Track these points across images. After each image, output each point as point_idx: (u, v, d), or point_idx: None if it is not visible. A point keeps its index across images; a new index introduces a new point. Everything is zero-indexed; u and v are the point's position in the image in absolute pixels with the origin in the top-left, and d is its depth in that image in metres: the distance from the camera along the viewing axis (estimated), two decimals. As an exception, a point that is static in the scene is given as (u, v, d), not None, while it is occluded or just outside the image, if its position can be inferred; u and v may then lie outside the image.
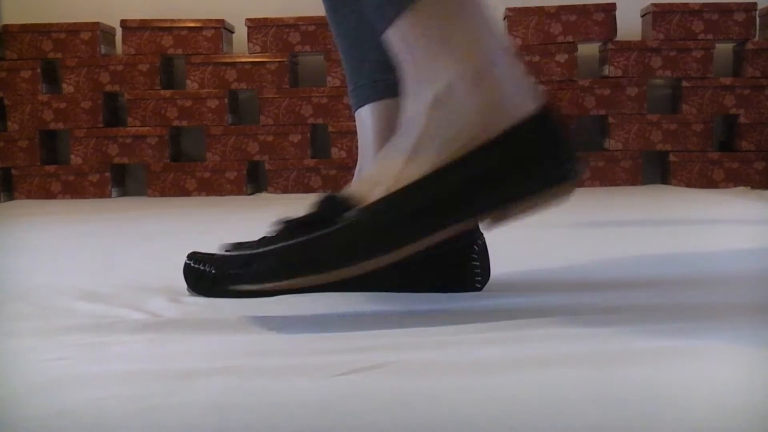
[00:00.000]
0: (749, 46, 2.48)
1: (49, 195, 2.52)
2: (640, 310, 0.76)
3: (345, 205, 0.76)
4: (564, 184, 0.75)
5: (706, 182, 2.46)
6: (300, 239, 0.76)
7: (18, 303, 0.86)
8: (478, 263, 0.83)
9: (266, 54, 2.56)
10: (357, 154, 0.91)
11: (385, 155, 0.78)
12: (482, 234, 0.85)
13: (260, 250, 0.78)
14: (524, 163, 0.74)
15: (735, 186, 2.43)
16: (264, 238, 0.81)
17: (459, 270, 0.84)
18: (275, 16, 2.57)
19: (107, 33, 2.63)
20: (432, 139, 0.74)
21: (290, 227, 0.78)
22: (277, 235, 0.79)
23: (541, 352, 0.61)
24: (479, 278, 0.84)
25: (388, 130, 0.84)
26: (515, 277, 0.96)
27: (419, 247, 0.75)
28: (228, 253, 0.82)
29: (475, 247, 0.83)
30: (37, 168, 2.52)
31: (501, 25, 0.69)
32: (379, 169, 0.78)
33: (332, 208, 0.77)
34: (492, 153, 0.73)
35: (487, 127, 0.73)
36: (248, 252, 0.79)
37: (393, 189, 0.74)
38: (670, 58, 2.50)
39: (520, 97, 0.74)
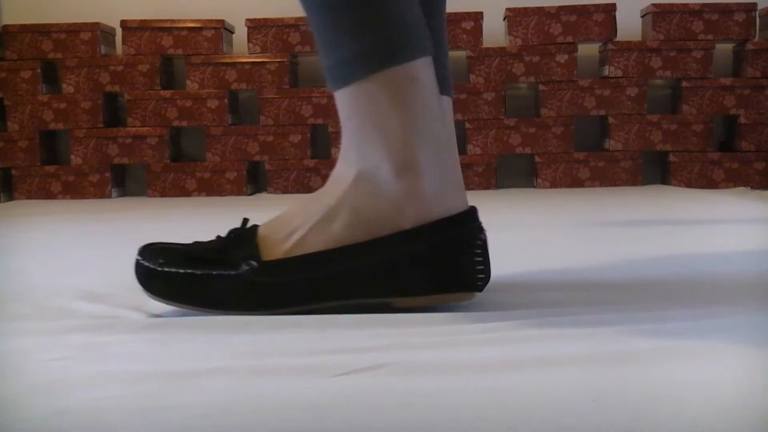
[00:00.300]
0: (749, 46, 2.48)
1: (49, 195, 2.52)
2: (640, 310, 0.76)
3: (248, 250, 0.78)
4: (466, 293, 0.78)
5: (706, 182, 2.46)
6: (202, 272, 0.78)
7: (18, 303, 0.86)
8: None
9: (266, 54, 2.56)
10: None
11: (305, 203, 0.80)
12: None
13: (165, 269, 0.78)
14: (430, 263, 0.76)
15: (735, 186, 2.43)
16: (195, 242, 0.82)
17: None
18: (275, 17, 2.57)
19: (107, 33, 2.63)
20: (345, 211, 0.77)
21: (199, 251, 0.79)
22: (186, 255, 0.79)
23: (541, 353, 0.61)
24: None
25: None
26: (515, 278, 0.96)
27: (317, 309, 0.77)
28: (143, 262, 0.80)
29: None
30: (37, 168, 2.52)
31: (440, 113, 0.71)
32: (297, 215, 0.80)
33: (237, 248, 0.79)
34: (399, 245, 0.76)
35: (399, 218, 0.76)
36: (155, 267, 0.79)
37: (296, 252, 0.77)
38: (670, 59, 2.50)
39: (440, 195, 0.77)
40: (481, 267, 0.78)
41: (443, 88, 0.84)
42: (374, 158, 0.76)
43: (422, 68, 0.76)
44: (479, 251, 0.78)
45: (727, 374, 0.56)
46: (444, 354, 0.62)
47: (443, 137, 0.78)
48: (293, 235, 0.78)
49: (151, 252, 0.80)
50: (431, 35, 0.79)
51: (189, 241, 0.84)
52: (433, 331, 0.69)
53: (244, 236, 0.80)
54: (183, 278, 0.78)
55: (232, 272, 0.77)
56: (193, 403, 0.52)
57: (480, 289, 0.78)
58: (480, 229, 0.78)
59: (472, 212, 0.79)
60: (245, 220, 0.83)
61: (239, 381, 0.56)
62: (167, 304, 0.79)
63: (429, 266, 0.77)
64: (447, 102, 0.86)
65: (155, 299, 0.79)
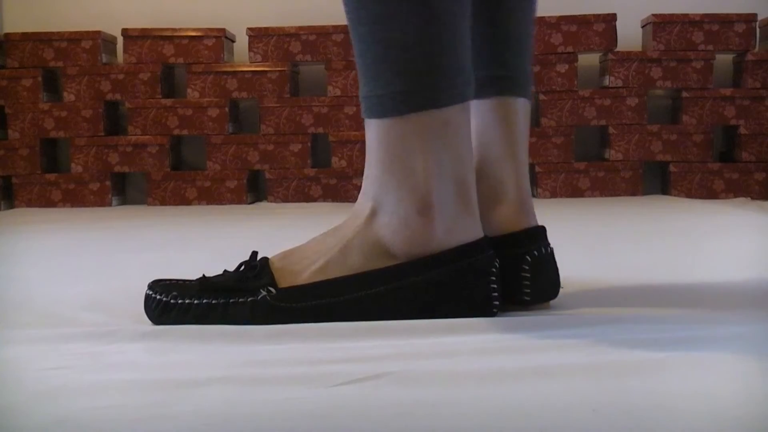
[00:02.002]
0: (749, 57, 2.49)
1: (49, 203, 2.52)
2: (640, 320, 0.76)
3: (266, 279, 0.79)
4: (478, 316, 0.78)
5: (707, 193, 2.46)
6: (218, 301, 0.78)
7: (18, 311, 0.86)
8: (528, 275, 0.82)
9: (267, 63, 2.56)
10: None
11: (323, 237, 0.81)
12: (540, 245, 0.83)
13: (179, 301, 0.78)
14: (445, 289, 0.77)
15: (735, 197, 2.43)
16: (203, 277, 0.81)
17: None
18: (276, 26, 2.57)
19: (108, 42, 2.63)
20: (362, 243, 0.78)
21: (215, 284, 0.79)
22: (201, 286, 0.79)
23: (540, 362, 0.61)
24: (528, 290, 0.82)
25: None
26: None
27: None
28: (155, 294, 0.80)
29: (527, 257, 0.82)
30: (38, 176, 2.52)
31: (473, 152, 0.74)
32: (314, 248, 0.81)
33: (253, 278, 0.79)
34: (414, 272, 0.77)
35: (414, 249, 0.77)
36: (168, 300, 0.79)
37: (314, 279, 0.78)
38: (670, 69, 2.51)
39: (454, 229, 0.77)
40: (495, 294, 0.78)
41: (508, 88, 0.84)
42: (394, 194, 0.77)
43: (458, 113, 0.77)
44: (492, 278, 0.78)
45: (727, 384, 0.56)
46: (444, 364, 0.62)
47: (468, 179, 0.78)
48: (311, 266, 0.79)
49: (162, 286, 0.80)
50: (494, 30, 0.82)
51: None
52: (433, 341, 0.69)
53: (259, 267, 0.80)
54: (199, 309, 0.78)
55: (250, 298, 0.77)
56: (193, 411, 0.52)
57: (493, 314, 0.78)
58: (492, 258, 0.78)
59: (483, 242, 0.79)
60: (254, 253, 0.83)
61: (240, 390, 0.56)
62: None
63: (444, 292, 0.77)
64: (520, 104, 0.86)
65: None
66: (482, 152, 0.85)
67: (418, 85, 0.75)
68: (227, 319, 0.77)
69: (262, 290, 0.77)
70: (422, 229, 0.77)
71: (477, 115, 0.85)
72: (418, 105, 0.75)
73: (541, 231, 0.85)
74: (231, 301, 0.77)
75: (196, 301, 0.78)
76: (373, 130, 0.79)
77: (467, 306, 0.77)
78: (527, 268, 0.82)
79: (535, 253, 0.82)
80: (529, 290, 0.82)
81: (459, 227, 0.78)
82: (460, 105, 0.76)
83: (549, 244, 0.84)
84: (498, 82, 0.85)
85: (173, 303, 0.78)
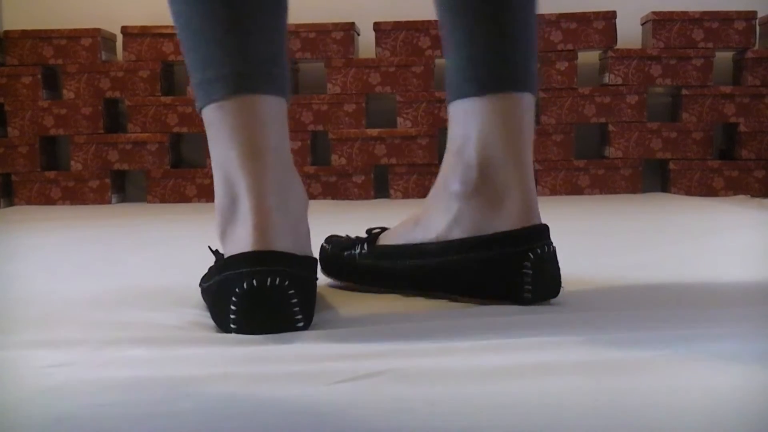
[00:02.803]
0: (749, 54, 2.49)
1: (49, 201, 2.52)
2: (639, 317, 0.76)
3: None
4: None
5: (706, 190, 2.46)
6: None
7: (18, 309, 0.86)
8: (530, 272, 0.82)
9: (267, 61, 2.56)
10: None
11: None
12: (543, 243, 0.83)
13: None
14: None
15: (735, 194, 2.43)
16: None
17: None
18: (276, 23, 2.57)
19: (108, 39, 2.63)
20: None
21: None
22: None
23: (540, 360, 0.61)
24: (529, 287, 0.82)
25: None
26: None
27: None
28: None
29: (530, 255, 0.82)
30: (37, 174, 2.52)
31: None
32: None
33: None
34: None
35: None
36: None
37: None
38: (670, 67, 2.51)
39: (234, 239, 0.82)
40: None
41: (509, 86, 0.84)
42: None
43: (213, 111, 0.81)
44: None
45: (726, 382, 0.56)
46: (443, 361, 0.62)
47: (233, 175, 0.85)
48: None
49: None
50: (494, 27, 0.84)
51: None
52: (432, 339, 0.69)
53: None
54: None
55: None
56: (193, 409, 0.52)
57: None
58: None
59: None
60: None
61: (239, 388, 0.56)
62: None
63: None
64: (522, 100, 0.85)
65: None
66: (486, 153, 0.84)
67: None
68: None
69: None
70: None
71: (479, 114, 0.85)
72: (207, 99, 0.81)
73: (544, 229, 0.85)
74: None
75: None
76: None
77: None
78: (529, 265, 0.82)
79: (538, 251, 0.82)
80: (530, 287, 0.82)
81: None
82: (215, 104, 0.80)
83: (551, 242, 0.85)
84: (498, 80, 0.84)
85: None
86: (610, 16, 2.51)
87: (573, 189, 2.50)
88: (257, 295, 0.72)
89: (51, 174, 2.53)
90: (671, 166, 2.48)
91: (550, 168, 2.50)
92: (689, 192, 2.46)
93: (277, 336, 0.71)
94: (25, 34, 2.56)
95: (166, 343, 0.69)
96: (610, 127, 2.50)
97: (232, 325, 0.73)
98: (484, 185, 0.84)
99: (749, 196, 2.41)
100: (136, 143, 2.54)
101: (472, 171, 0.84)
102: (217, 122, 0.80)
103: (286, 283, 0.72)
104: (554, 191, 2.50)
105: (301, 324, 0.73)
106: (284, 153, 0.82)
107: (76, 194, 2.52)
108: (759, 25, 2.53)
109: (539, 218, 0.85)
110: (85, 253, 1.41)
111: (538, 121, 2.54)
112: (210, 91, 0.79)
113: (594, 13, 2.51)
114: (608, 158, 2.51)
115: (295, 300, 0.73)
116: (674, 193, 2.47)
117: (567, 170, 2.50)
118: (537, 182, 2.51)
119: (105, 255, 1.37)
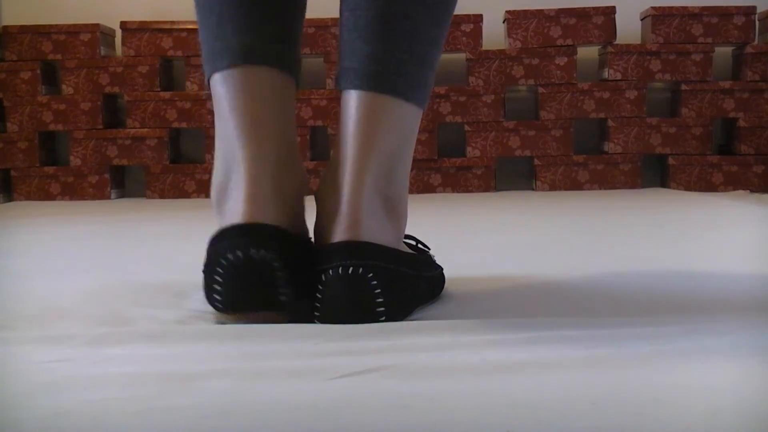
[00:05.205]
0: (748, 49, 2.48)
1: (48, 196, 2.52)
2: (638, 313, 0.76)
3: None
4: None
5: (705, 186, 2.46)
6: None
7: (17, 305, 0.86)
8: (320, 296, 0.73)
9: (266, 56, 2.55)
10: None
11: None
12: (339, 265, 0.73)
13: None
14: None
15: (734, 189, 2.43)
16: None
17: (311, 297, 0.74)
18: (275, 18, 2.57)
19: (107, 34, 2.63)
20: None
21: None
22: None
23: (538, 356, 0.62)
24: (318, 308, 0.74)
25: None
26: (510, 281, 0.96)
27: None
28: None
29: (322, 277, 0.73)
30: (37, 169, 2.52)
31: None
32: None
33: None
34: None
35: None
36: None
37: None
38: (669, 62, 2.51)
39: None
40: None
41: (350, 81, 0.78)
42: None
43: (216, 84, 0.81)
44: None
45: (725, 378, 0.56)
46: (442, 357, 0.62)
47: (231, 157, 0.84)
48: None
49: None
50: (350, 16, 0.78)
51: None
52: (430, 335, 0.69)
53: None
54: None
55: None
56: (192, 405, 0.52)
57: (218, 309, 0.74)
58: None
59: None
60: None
61: (238, 383, 0.56)
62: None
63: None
64: (357, 98, 0.77)
65: None
66: (336, 148, 0.79)
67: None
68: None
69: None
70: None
71: (342, 108, 0.79)
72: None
73: (343, 248, 0.73)
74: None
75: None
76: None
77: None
78: (320, 288, 0.74)
79: (330, 272, 0.73)
80: (318, 309, 0.74)
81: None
82: (219, 74, 0.79)
83: (357, 264, 0.73)
84: (344, 74, 0.78)
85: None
86: (609, 11, 2.51)
87: (572, 184, 2.50)
88: (242, 267, 0.69)
89: (50, 169, 2.53)
90: (670, 161, 2.48)
91: (549, 163, 2.50)
92: (688, 187, 2.46)
93: (276, 331, 0.70)
94: (24, 29, 2.55)
95: (165, 339, 0.69)
96: (610, 122, 2.50)
97: (216, 297, 0.71)
98: (330, 186, 0.78)
99: (748, 191, 2.41)
100: (136, 138, 2.53)
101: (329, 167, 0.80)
102: (220, 92, 0.79)
103: (272, 257, 0.69)
104: (553, 186, 2.50)
105: (286, 303, 0.70)
106: (287, 131, 0.79)
107: (75, 190, 2.52)
108: (758, 20, 2.53)
109: (357, 234, 0.74)
110: (84, 248, 1.41)
111: (537, 116, 2.53)
112: (216, 61, 0.79)
113: (593, 8, 2.51)
114: (607, 153, 2.51)
115: (280, 275, 0.70)
116: (673, 188, 2.47)
117: (566, 165, 2.50)
118: (536, 177, 2.50)
119: (104, 250, 1.37)
